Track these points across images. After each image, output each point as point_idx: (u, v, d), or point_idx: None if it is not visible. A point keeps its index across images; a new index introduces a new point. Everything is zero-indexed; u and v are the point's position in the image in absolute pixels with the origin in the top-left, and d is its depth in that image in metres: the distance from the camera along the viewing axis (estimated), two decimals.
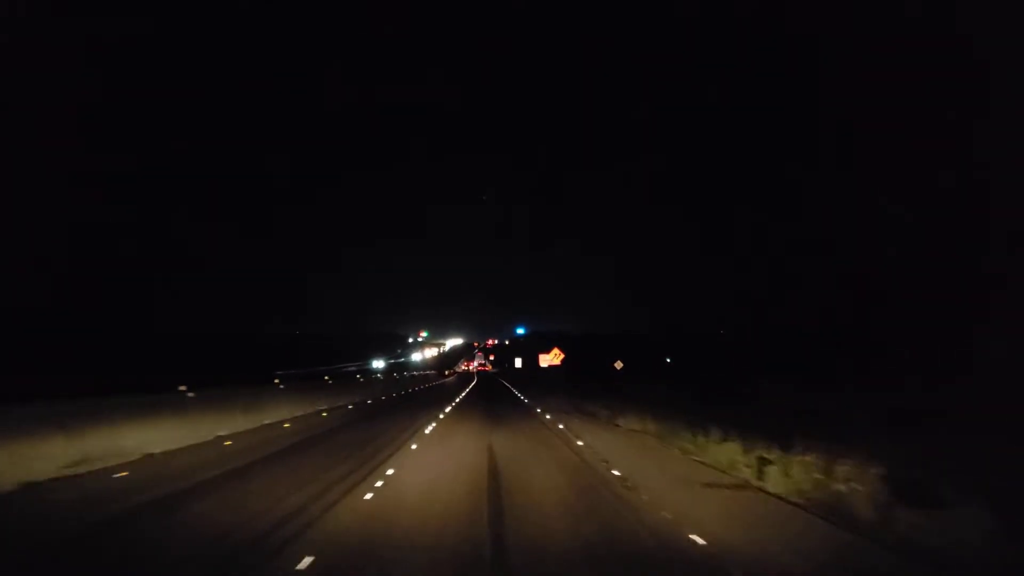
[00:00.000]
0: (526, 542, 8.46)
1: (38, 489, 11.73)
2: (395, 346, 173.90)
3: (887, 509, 9.53)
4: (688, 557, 7.95)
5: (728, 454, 14.50)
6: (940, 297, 30.43)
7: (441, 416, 28.38)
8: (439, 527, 9.24)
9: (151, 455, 15.39)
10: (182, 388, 19.51)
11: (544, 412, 30.29)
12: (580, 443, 18.37)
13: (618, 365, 53.43)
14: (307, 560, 7.59)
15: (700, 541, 8.47)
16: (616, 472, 13.46)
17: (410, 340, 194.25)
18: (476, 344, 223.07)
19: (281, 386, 34.80)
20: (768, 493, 11.53)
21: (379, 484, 12.11)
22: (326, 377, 55.88)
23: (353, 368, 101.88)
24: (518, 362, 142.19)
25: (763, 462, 12.85)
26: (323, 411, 30.92)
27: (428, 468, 14.04)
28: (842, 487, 10.63)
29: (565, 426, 23.33)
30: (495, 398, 46.81)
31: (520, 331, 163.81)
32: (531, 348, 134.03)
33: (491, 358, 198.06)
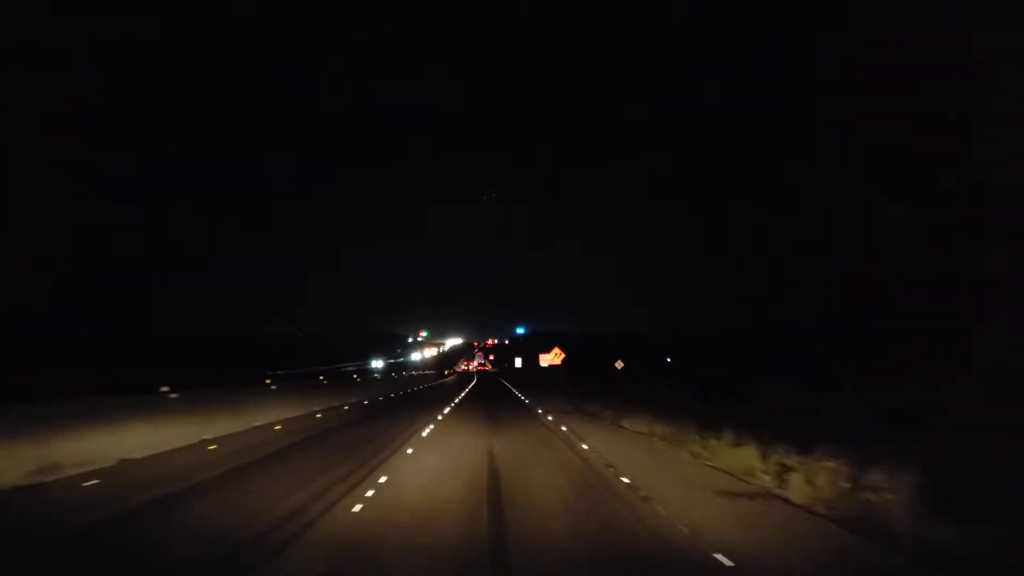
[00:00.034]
0: (529, 563, 7.54)
1: None
2: (395, 346, 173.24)
3: (926, 522, 8.68)
4: None
5: (744, 459, 13.63)
6: (940, 297, 30.31)
7: (439, 417, 27.44)
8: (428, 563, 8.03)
9: (127, 460, 14.44)
10: (164, 389, 18.56)
11: (546, 413, 29.47)
12: (585, 446, 17.47)
13: (619, 365, 52.69)
14: None
15: (727, 562, 7.53)
16: (625, 479, 12.53)
17: (410, 340, 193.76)
18: (476, 344, 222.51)
19: (273, 387, 33.84)
20: (792, 503, 10.59)
21: (370, 493, 11.16)
22: (321, 377, 55.00)
23: (351, 368, 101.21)
24: (518, 362, 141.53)
25: (784, 469, 11.95)
26: (317, 412, 29.95)
27: (423, 476, 13.08)
28: (872, 496, 9.77)
29: (568, 428, 22.44)
30: (495, 398, 45.99)
31: (520, 331, 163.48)
32: (531, 348, 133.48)
33: (491, 358, 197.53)
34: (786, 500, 10.83)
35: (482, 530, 8.81)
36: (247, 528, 8.91)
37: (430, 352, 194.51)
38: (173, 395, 18.54)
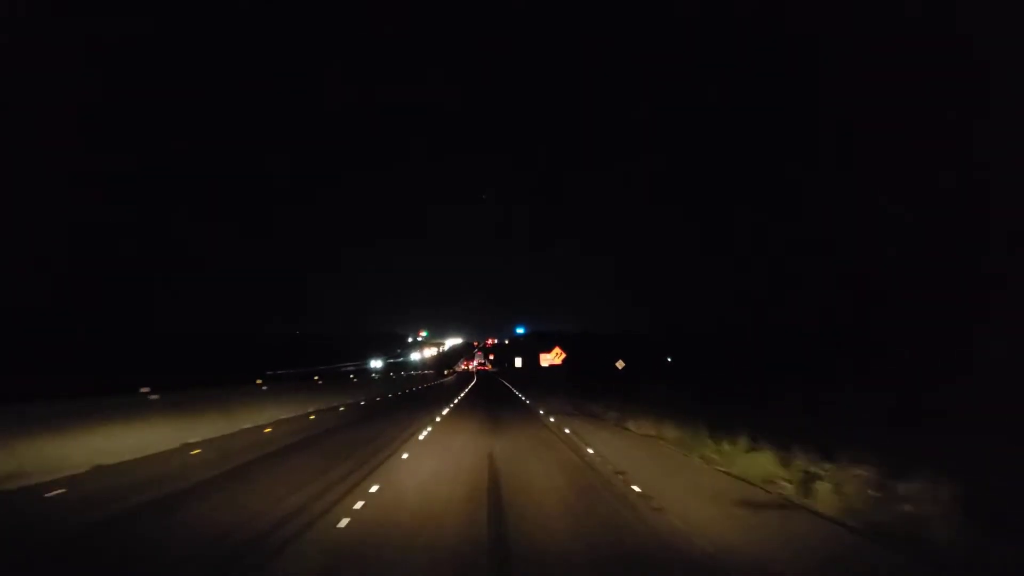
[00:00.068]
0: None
1: None
2: (395, 346, 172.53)
3: (974, 537, 7.83)
4: None
5: (761, 466, 12.73)
6: (940, 297, 29.89)
7: (438, 419, 26.48)
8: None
9: (101, 467, 13.47)
10: (144, 390, 17.58)
11: (547, 414, 28.57)
12: (590, 451, 16.54)
13: (619, 365, 51.92)
14: None
15: None
16: (636, 488, 11.59)
17: (409, 340, 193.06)
18: (476, 344, 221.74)
19: (264, 387, 32.86)
20: (821, 515, 9.66)
21: (359, 505, 10.21)
22: (316, 378, 54.07)
23: (350, 368, 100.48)
24: (518, 362, 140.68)
25: (809, 476, 11.04)
26: (311, 414, 28.98)
27: (420, 485, 12.12)
28: (909, 508, 8.88)
29: (571, 430, 21.52)
30: (495, 399, 45.11)
31: (520, 331, 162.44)
32: (531, 348, 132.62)
33: (491, 357, 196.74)
34: (813, 511, 9.91)
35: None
36: (233, 537, 8.23)
37: (430, 352, 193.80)
38: (153, 396, 17.56)
